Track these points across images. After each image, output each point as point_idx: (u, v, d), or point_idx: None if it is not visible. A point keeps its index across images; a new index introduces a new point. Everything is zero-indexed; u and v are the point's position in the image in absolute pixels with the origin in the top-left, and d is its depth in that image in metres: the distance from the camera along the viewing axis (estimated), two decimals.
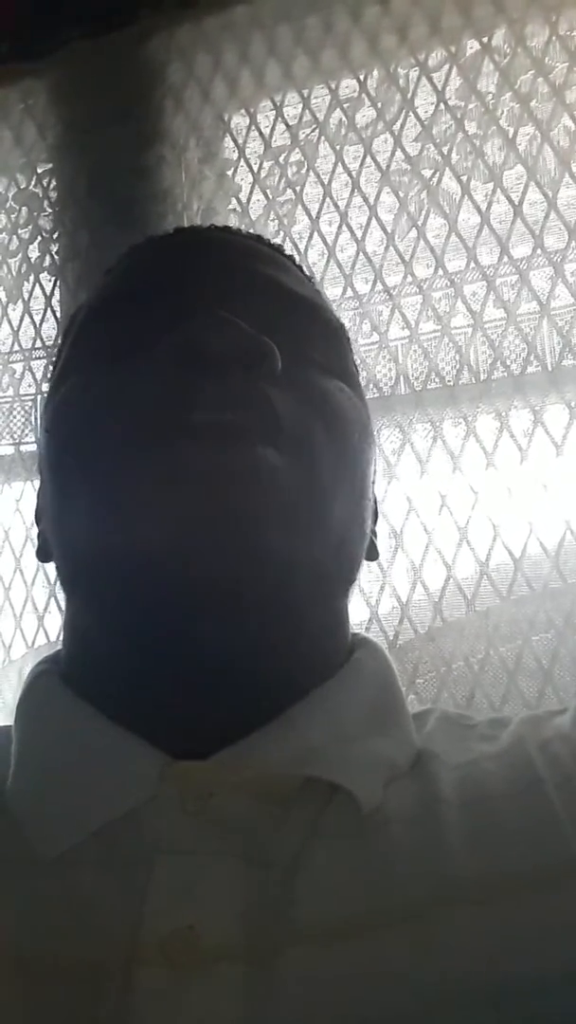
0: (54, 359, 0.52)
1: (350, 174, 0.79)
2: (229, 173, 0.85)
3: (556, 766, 0.41)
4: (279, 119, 0.83)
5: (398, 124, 0.77)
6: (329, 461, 0.42)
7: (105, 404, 0.42)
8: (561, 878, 0.37)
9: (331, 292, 0.78)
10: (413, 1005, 0.34)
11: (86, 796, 0.40)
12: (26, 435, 0.91)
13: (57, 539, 0.45)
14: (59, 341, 0.88)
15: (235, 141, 0.85)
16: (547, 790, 0.40)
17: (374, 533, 0.50)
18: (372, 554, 0.50)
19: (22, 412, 0.92)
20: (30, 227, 0.92)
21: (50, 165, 0.92)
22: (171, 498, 0.38)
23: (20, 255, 0.92)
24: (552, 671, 0.68)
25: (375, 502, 0.50)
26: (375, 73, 0.79)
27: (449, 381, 0.74)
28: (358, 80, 0.80)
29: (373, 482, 0.48)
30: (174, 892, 0.36)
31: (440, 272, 0.75)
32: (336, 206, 0.79)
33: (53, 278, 0.90)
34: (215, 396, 0.39)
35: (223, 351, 0.40)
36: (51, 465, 0.45)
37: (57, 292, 0.90)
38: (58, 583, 0.47)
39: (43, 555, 0.49)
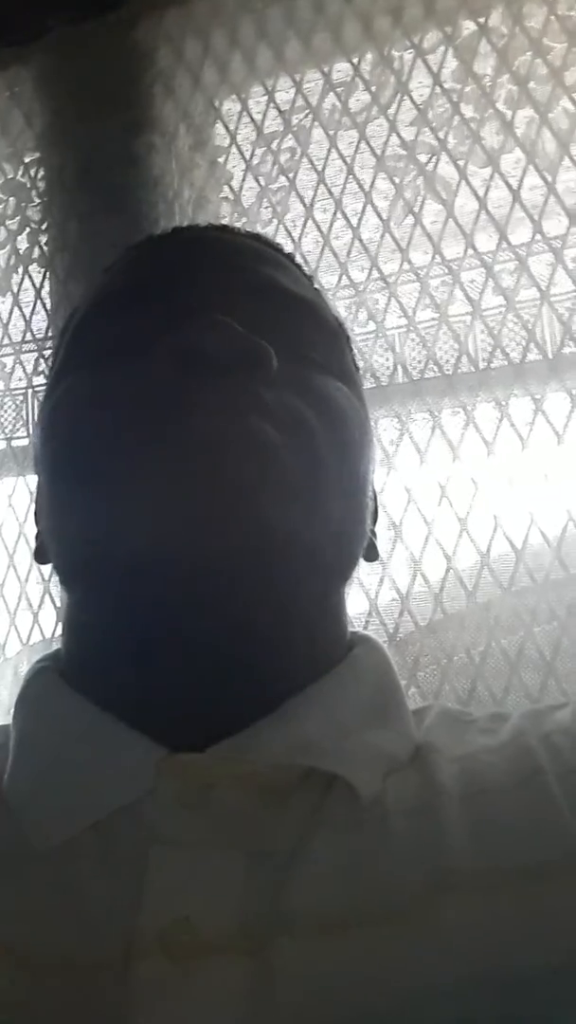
0: (50, 357, 0.51)
1: (344, 160, 0.78)
2: (221, 160, 0.84)
3: (558, 758, 0.41)
4: (271, 104, 0.81)
5: (393, 108, 0.76)
6: (327, 450, 0.42)
7: (101, 405, 0.42)
8: (562, 870, 0.37)
9: (326, 280, 0.77)
10: (413, 997, 0.34)
11: (83, 789, 0.40)
12: (17, 429, 0.90)
13: (55, 537, 0.45)
14: (51, 335, 0.87)
15: (226, 127, 0.83)
16: (548, 782, 0.40)
17: (374, 534, 0.50)
18: (372, 555, 0.50)
19: (13, 406, 0.91)
20: (18, 218, 0.91)
21: (37, 154, 0.91)
22: (168, 474, 0.38)
23: (8, 247, 0.91)
24: (554, 663, 0.67)
25: (375, 500, 0.50)
26: (369, 56, 0.78)
27: (448, 370, 0.73)
28: (351, 63, 0.78)
29: (372, 482, 0.48)
30: (171, 884, 0.37)
31: (438, 259, 0.74)
32: (330, 193, 0.78)
33: (42, 270, 0.89)
34: (210, 399, 0.39)
35: (218, 354, 0.40)
36: (48, 465, 0.45)
37: (47, 284, 0.89)
38: (54, 580, 0.47)
39: (40, 556, 0.49)
